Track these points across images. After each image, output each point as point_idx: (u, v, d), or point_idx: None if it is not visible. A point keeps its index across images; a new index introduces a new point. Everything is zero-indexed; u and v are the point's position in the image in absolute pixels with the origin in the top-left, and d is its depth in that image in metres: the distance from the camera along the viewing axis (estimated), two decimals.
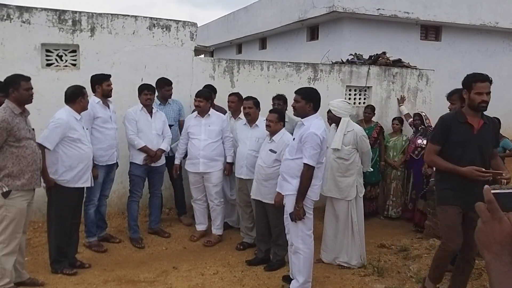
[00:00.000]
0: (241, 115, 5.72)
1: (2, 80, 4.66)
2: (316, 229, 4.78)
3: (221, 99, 6.07)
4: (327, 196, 4.93)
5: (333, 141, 4.79)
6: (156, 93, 5.66)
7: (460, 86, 3.78)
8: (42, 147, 4.15)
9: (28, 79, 3.91)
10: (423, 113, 6.92)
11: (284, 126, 4.72)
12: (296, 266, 4.14)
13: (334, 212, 4.92)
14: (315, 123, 3.98)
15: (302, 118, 4.11)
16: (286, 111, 5.47)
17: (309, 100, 4.07)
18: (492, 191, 1.07)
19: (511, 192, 1.10)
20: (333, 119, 4.91)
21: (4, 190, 3.68)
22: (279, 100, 5.59)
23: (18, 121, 3.75)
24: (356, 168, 4.84)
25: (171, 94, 5.96)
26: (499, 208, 1.04)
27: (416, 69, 8.26)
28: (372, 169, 5.59)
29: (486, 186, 1.12)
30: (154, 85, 5.56)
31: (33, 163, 3.84)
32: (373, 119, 7.10)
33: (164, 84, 5.84)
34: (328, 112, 5.30)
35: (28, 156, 3.80)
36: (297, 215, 3.96)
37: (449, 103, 4.70)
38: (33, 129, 3.99)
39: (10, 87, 3.80)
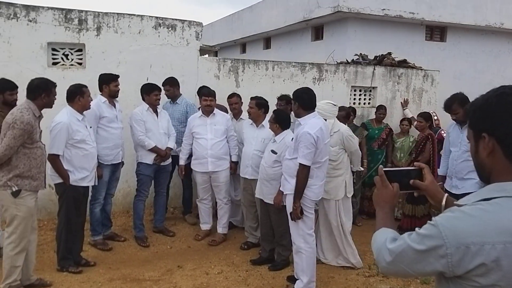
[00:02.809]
0: (243, 116, 5.73)
1: (7, 77, 4.73)
2: None
3: (225, 98, 6.07)
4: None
5: None
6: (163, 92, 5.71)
7: (464, 87, 3.68)
8: (55, 156, 4.21)
9: (56, 85, 4.01)
10: (433, 113, 6.86)
11: (287, 127, 4.71)
12: (299, 266, 4.16)
13: (325, 212, 4.92)
14: (311, 122, 4.01)
15: (298, 118, 4.18)
16: (292, 113, 5.46)
17: (294, 100, 4.16)
18: (384, 169, 1.61)
19: (394, 170, 1.66)
20: None
21: (14, 189, 3.70)
22: (282, 100, 5.57)
23: (36, 124, 3.82)
24: (343, 169, 4.83)
25: (168, 95, 5.92)
26: (387, 179, 1.59)
27: (421, 69, 8.25)
28: (362, 169, 5.55)
29: (380, 166, 1.79)
30: (156, 84, 5.54)
31: (41, 165, 3.88)
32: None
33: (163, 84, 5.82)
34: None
35: (38, 157, 3.83)
36: (295, 214, 4.00)
37: (451, 115, 4.48)
38: (41, 131, 4.03)
39: (43, 92, 3.85)
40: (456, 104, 4.38)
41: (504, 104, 1.24)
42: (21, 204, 3.75)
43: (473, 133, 1.34)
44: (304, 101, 4.10)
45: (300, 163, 3.94)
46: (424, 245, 1.24)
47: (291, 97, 5.46)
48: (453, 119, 4.58)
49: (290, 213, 4.07)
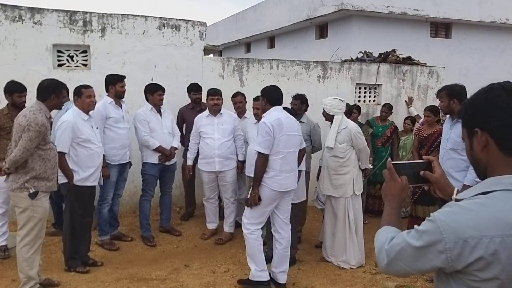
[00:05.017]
0: (247, 114, 5.73)
1: (14, 79, 4.76)
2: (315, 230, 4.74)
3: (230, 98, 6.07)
4: (326, 195, 4.94)
5: (327, 139, 4.80)
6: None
7: (470, 84, 3.64)
8: (60, 154, 4.24)
9: (66, 87, 4.05)
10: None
11: None
12: (247, 251, 4.23)
13: (332, 210, 4.91)
14: (270, 114, 4.10)
15: (264, 114, 4.24)
16: (306, 113, 5.41)
17: (262, 96, 4.25)
18: (392, 162, 1.60)
19: (403, 163, 1.65)
20: (327, 117, 4.91)
21: (31, 191, 3.71)
22: (297, 100, 5.45)
23: (49, 125, 3.85)
24: (351, 166, 4.80)
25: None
26: (395, 173, 1.57)
27: (426, 66, 8.21)
28: (371, 166, 5.50)
29: (389, 159, 1.82)
30: (159, 84, 5.50)
31: (55, 166, 3.91)
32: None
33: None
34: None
35: (51, 158, 3.85)
36: (252, 201, 4.05)
37: (439, 101, 4.44)
38: (51, 133, 4.07)
39: (52, 93, 3.86)
40: (444, 92, 4.31)
41: (492, 98, 1.28)
42: (38, 206, 3.76)
43: (467, 131, 1.36)
44: (272, 97, 4.18)
45: (257, 151, 4.02)
46: (423, 241, 1.24)
47: (306, 97, 5.44)
48: (439, 106, 4.55)
49: (247, 199, 4.14)
